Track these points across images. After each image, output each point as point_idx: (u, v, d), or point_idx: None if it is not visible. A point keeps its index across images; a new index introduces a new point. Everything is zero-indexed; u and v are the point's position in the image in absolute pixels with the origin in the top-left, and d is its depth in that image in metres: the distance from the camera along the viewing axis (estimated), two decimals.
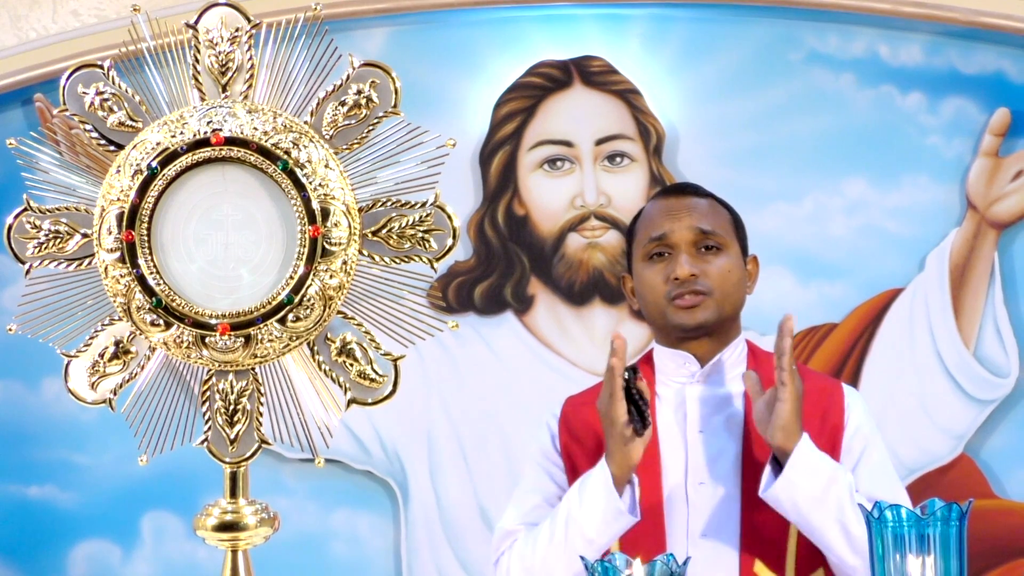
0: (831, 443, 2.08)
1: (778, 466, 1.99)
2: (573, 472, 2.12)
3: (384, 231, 1.71)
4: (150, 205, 1.69)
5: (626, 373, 1.98)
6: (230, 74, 1.72)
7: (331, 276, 1.69)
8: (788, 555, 2.05)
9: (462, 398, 3.35)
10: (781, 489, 1.96)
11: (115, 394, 1.75)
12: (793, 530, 2.05)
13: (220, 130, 1.68)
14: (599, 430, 2.05)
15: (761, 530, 2.04)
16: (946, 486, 3.25)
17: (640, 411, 1.97)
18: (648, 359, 2.17)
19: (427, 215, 1.70)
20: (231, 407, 1.73)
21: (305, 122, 1.71)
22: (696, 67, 3.35)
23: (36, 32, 3.24)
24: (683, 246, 2.09)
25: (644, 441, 1.98)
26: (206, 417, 1.73)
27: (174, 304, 1.70)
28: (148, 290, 1.69)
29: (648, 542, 2.00)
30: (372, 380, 1.73)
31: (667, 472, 2.06)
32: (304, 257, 1.68)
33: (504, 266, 3.39)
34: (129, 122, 1.72)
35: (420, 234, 1.71)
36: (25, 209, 1.74)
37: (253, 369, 1.73)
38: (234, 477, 1.74)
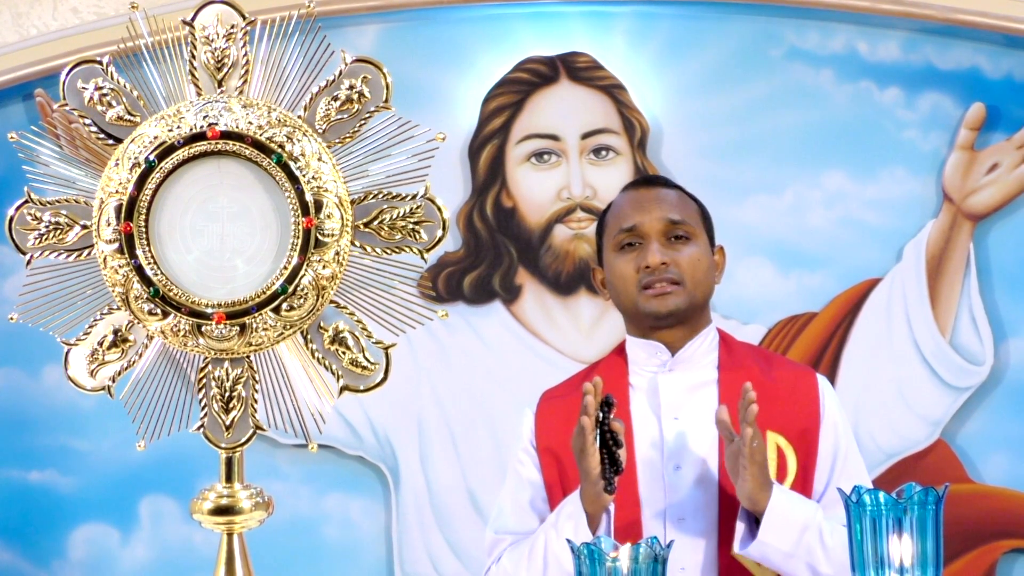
0: (805, 431, 2.11)
1: (748, 516, 2.01)
2: (557, 463, 2.13)
3: (376, 222, 1.74)
4: (148, 197, 1.71)
5: (600, 413, 1.97)
6: (226, 70, 1.74)
7: (324, 266, 1.72)
8: None
9: (452, 385, 3.37)
10: (755, 550, 1.99)
11: (114, 381, 1.77)
12: None
13: (216, 124, 1.71)
14: (573, 422, 2.05)
15: (738, 512, 2.04)
16: (923, 471, 3.28)
17: (613, 457, 1.97)
18: (621, 350, 2.18)
19: (417, 207, 1.73)
20: (227, 394, 1.75)
21: (299, 116, 1.73)
22: (679, 63, 3.38)
23: (37, 29, 3.25)
24: (653, 235, 2.11)
25: (614, 488, 1.98)
26: (202, 404, 1.76)
27: (171, 294, 1.72)
28: (146, 280, 1.72)
29: (626, 529, 2.02)
30: (364, 368, 1.75)
31: (642, 459, 2.08)
32: (298, 248, 1.71)
33: (492, 257, 3.41)
34: (127, 116, 1.75)
35: (411, 225, 1.73)
36: (26, 201, 1.77)
37: (248, 357, 1.75)
38: (229, 462, 1.77)
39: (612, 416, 1.98)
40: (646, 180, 2.25)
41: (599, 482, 1.97)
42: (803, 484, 2.10)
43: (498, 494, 2.22)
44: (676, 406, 2.11)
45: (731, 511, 2.06)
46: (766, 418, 2.08)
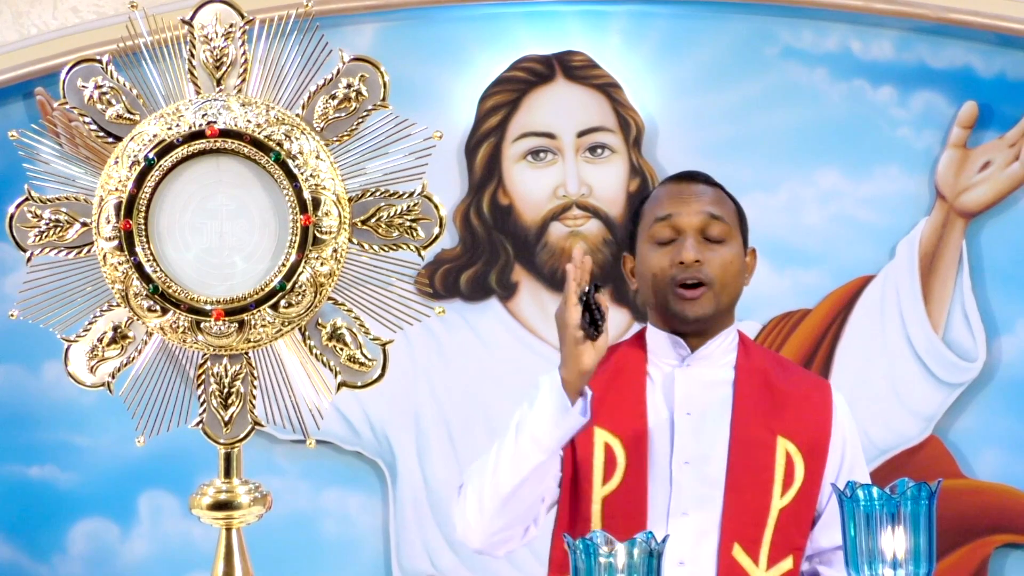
0: (815, 441, 2.12)
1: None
2: None
3: (373, 220, 1.75)
4: (147, 195, 1.73)
5: (588, 286, 1.94)
6: (224, 68, 1.75)
7: (322, 264, 1.73)
8: (764, 539, 2.08)
9: (448, 381, 3.39)
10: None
11: (113, 377, 1.78)
12: (771, 516, 2.08)
13: (215, 122, 1.72)
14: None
15: (742, 513, 2.07)
16: (916, 466, 3.30)
17: (594, 319, 1.94)
18: (640, 337, 2.18)
19: (415, 205, 1.74)
20: (225, 390, 1.77)
21: (297, 115, 1.75)
22: (675, 62, 3.40)
23: (37, 28, 3.26)
24: (690, 231, 2.10)
25: (598, 350, 1.94)
26: (201, 400, 1.77)
27: (170, 291, 1.73)
28: (145, 277, 1.73)
29: (630, 518, 2.02)
30: (361, 364, 1.76)
31: (653, 451, 2.08)
32: (296, 245, 1.72)
33: (489, 254, 3.43)
34: (127, 115, 1.76)
35: (408, 223, 1.74)
36: (26, 199, 1.78)
37: (247, 353, 1.77)
38: (228, 458, 1.78)
39: (599, 292, 1.95)
40: (687, 175, 2.22)
41: (578, 329, 1.93)
42: (809, 494, 2.11)
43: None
44: (690, 401, 2.11)
45: (736, 513, 2.07)
46: (778, 423, 2.11)
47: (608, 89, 3.39)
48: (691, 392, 2.11)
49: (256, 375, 1.77)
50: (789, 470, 2.09)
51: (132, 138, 1.75)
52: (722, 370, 2.14)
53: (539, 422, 1.97)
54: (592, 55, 3.39)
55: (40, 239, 1.78)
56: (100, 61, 1.77)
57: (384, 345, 1.77)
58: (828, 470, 2.12)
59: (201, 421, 1.78)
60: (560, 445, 2.01)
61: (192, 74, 1.76)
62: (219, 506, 1.77)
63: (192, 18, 1.76)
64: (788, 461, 2.09)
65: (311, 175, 1.73)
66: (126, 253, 1.73)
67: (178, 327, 1.75)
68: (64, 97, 1.76)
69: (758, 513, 2.08)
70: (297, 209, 1.72)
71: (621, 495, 2.05)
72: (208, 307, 1.74)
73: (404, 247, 1.75)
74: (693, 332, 2.12)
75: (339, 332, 1.77)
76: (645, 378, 2.12)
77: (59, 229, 1.77)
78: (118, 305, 1.77)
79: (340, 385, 1.77)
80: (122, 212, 1.73)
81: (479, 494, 2.03)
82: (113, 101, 1.76)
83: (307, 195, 1.72)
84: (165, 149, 1.73)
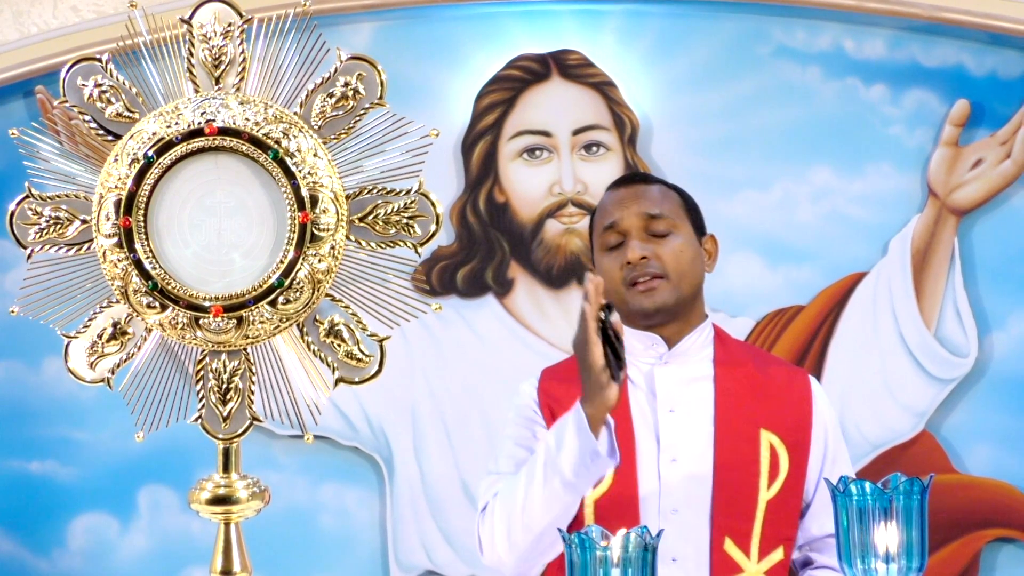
0: (798, 431, 2.13)
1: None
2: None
3: (370, 217, 1.76)
4: (146, 192, 1.74)
5: (601, 312, 1.90)
6: (223, 67, 1.77)
7: (320, 260, 1.74)
8: (754, 532, 2.09)
9: (445, 377, 3.40)
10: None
11: (113, 373, 1.80)
12: (759, 508, 2.09)
13: (213, 120, 1.73)
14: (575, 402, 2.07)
15: (731, 507, 2.08)
16: (908, 461, 3.31)
17: (616, 352, 1.93)
18: None
19: (411, 202, 1.76)
20: (224, 386, 1.78)
21: (295, 113, 1.76)
22: (669, 60, 3.41)
23: (37, 27, 3.27)
24: (633, 232, 2.12)
25: (620, 381, 1.93)
26: (200, 395, 1.78)
27: (169, 287, 1.75)
28: (145, 274, 1.74)
29: (622, 518, 2.00)
30: (359, 360, 1.78)
31: (640, 450, 2.09)
32: (294, 242, 1.73)
33: (485, 251, 3.44)
34: (126, 113, 1.77)
35: (405, 220, 1.76)
36: (27, 196, 1.79)
37: (245, 349, 1.78)
38: (227, 453, 1.79)
39: (612, 315, 1.92)
40: (626, 178, 2.27)
41: (604, 372, 1.91)
42: (794, 484, 2.12)
43: (493, 456, 2.21)
44: (672, 399, 2.12)
45: (725, 507, 2.08)
46: (760, 416, 2.12)
47: (603, 87, 3.40)
48: (672, 389, 2.12)
49: (254, 371, 1.79)
50: (774, 462, 2.11)
51: (131, 136, 1.76)
52: (701, 365, 2.15)
53: (569, 465, 1.95)
54: (587, 54, 3.40)
55: (40, 236, 1.79)
56: (100, 60, 1.78)
57: (381, 341, 1.78)
58: (812, 459, 2.14)
59: (200, 416, 1.79)
60: (591, 486, 2.00)
61: (191, 73, 1.78)
62: (218, 501, 1.78)
63: (191, 17, 1.77)
64: (772, 453, 2.11)
65: (309, 173, 1.74)
66: (125, 250, 1.75)
67: (177, 323, 1.76)
68: (64, 95, 1.78)
69: (746, 506, 2.09)
70: (295, 206, 1.73)
71: (612, 498, 2.06)
72: (207, 303, 1.75)
73: (401, 244, 1.77)
74: (661, 324, 2.13)
75: (337, 328, 1.78)
76: (626, 379, 2.09)
77: (59, 226, 1.79)
78: (118, 302, 1.78)
79: (338, 381, 1.78)
80: (121, 209, 1.74)
81: (507, 529, 2.02)
82: (113, 99, 1.77)
83: (305, 192, 1.73)
84: (164, 147, 1.74)
